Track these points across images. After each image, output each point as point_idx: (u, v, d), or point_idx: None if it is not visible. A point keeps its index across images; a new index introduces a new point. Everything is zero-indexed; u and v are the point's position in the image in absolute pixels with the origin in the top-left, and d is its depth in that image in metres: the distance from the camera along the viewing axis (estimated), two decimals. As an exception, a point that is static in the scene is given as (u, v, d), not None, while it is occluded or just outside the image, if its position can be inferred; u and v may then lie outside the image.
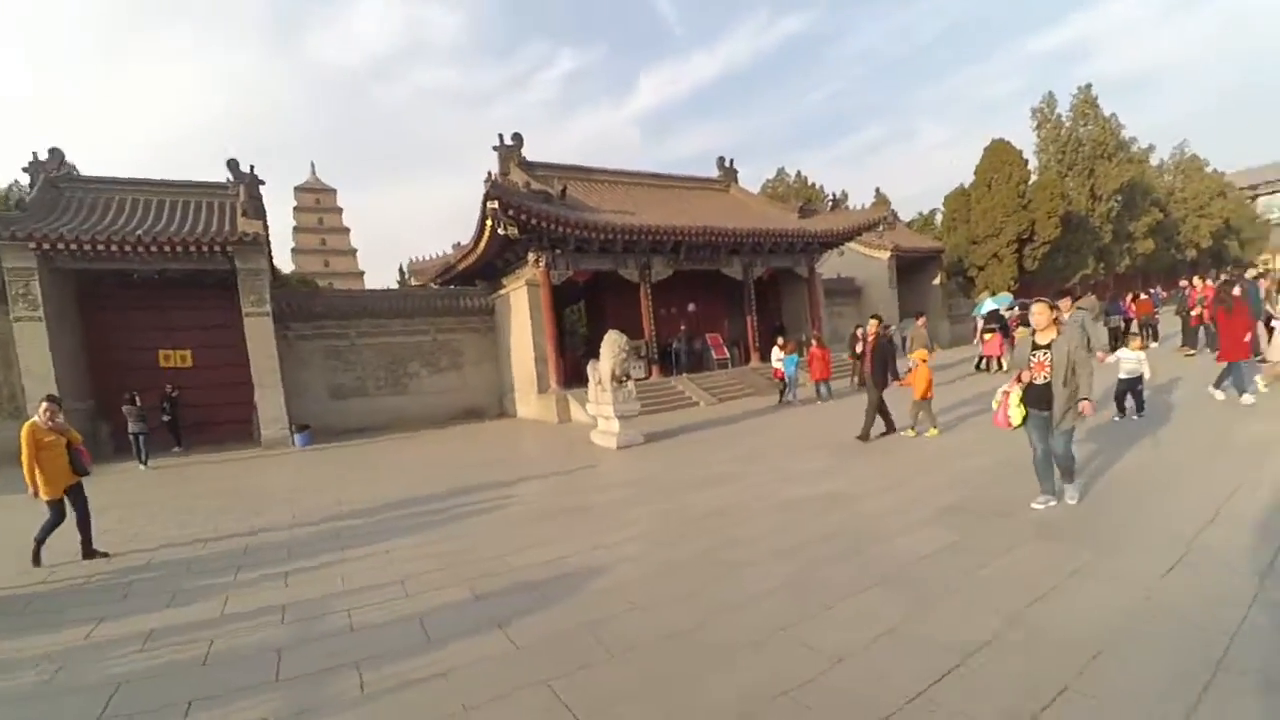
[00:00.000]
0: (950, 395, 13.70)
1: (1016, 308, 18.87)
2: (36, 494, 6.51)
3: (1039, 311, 5.44)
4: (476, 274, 21.73)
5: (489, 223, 16.84)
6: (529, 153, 22.28)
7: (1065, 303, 9.09)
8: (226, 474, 12.90)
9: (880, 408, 9.87)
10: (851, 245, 31.10)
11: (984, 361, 17.66)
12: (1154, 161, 39.24)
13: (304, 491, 10.16)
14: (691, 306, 21.79)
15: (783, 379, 16.68)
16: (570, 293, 24.88)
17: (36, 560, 6.51)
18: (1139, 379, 8.72)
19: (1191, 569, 4.02)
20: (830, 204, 44.68)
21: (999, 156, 28.35)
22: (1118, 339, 18.55)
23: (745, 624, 3.84)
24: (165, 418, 16.55)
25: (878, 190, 46.15)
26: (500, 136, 21.63)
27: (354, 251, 62.73)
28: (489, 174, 15.82)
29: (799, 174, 42.95)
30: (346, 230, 62.91)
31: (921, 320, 17.67)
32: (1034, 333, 5.50)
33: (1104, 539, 4.68)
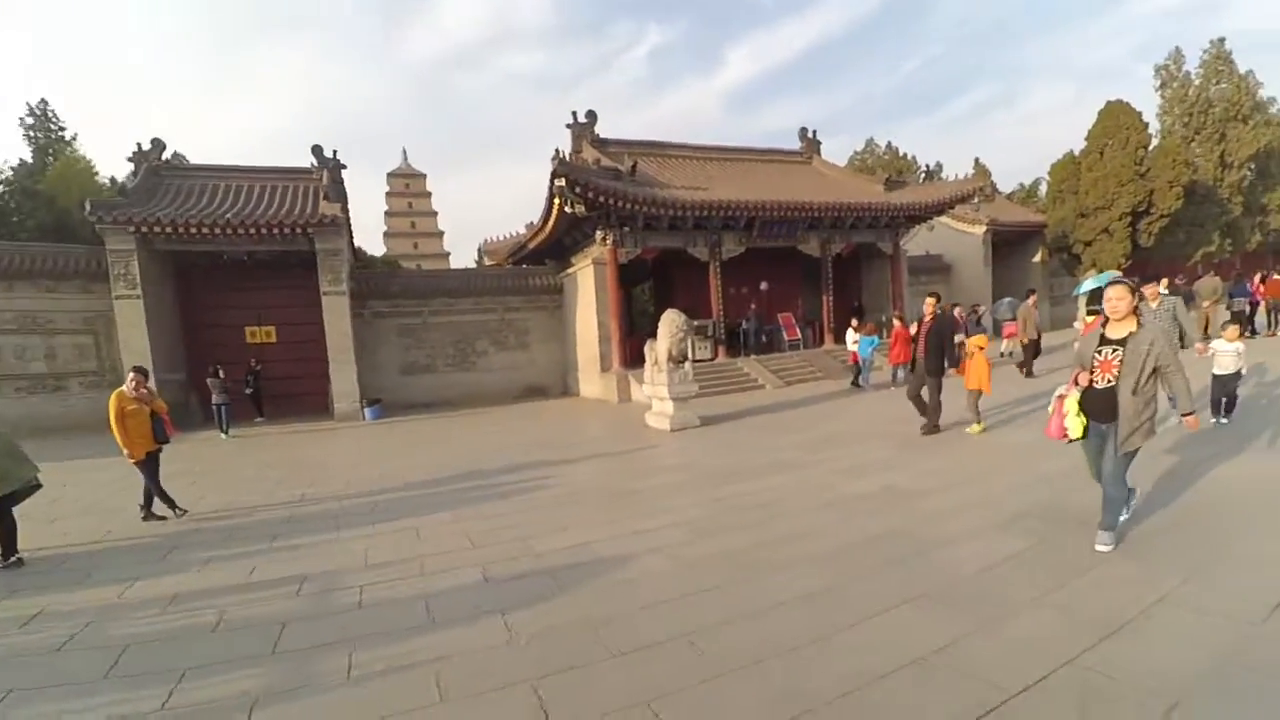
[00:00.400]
0: (1036, 385, 12.53)
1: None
2: (130, 456, 6.86)
3: (1116, 296, 4.19)
4: (546, 253, 21.74)
5: (556, 200, 16.70)
6: (610, 130, 22.07)
7: (1152, 288, 7.78)
8: (297, 444, 13.48)
9: (934, 394, 8.94)
10: (942, 220, 29.28)
11: None
12: None
13: (362, 464, 10.39)
14: (763, 285, 20.98)
15: (857, 362, 15.78)
16: (639, 272, 24.59)
17: (148, 514, 7.01)
18: (1236, 376, 7.43)
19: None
20: (923, 176, 42.26)
21: (1115, 119, 25.58)
22: (1242, 325, 16.32)
23: (756, 637, 3.38)
24: (248, 390, 17.45)
25: (976, 161, 43.29)
26: (574, 114, 21.44)
27: (441, 234, 64.85)
28: (556, 151, 15.56)
29: (889, 145, 40.77)
30: (434, 213, 65.14)
31: (1032, 299, 15.95)
32: (1106, 323, 4.33)
33: (1199, 564, 3.86)
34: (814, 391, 15.56)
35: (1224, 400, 7.46)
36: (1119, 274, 17.97)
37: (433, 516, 6.48)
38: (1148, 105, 32.07)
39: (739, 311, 21.49)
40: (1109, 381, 4.15)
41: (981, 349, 8.87)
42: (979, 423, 8.68)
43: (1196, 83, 29.27)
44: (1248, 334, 15.87)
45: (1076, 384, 4.33)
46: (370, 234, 74.56)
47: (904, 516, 5.31)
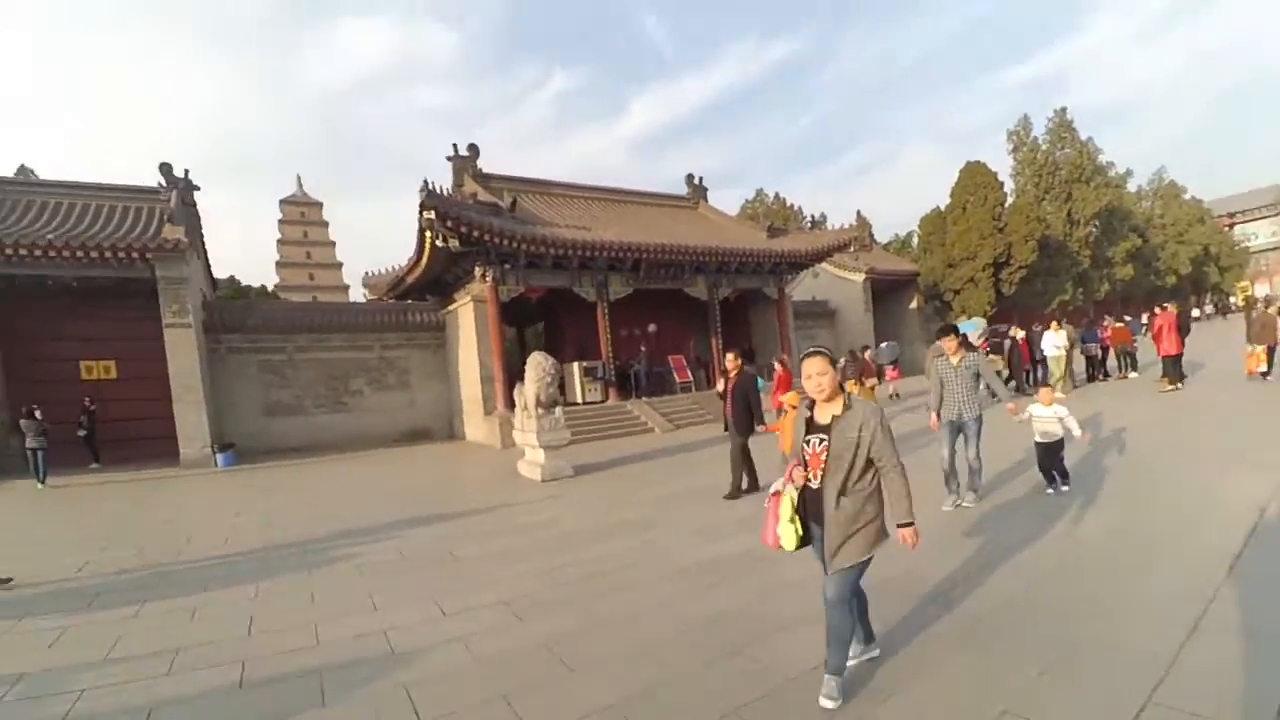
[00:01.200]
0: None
1: (985, 334, 18.07)
2: None
3: (816, 371, 3.13)
4: (428, 289, 20.85)
5: (428, 234, 16.02)
6: (515, 169, 21.59)
7: (949, 342, 6.54)
8: (124, 496, 11.92)
9: (744, 458, 8.29)
10: (826, 268, 30.70)
11: None
12: (1131, 187, 39.00)
13: (184, 522, 9.18)
14: (651, 327, 20.98)
15: None
16: (531, 312, 24.12)
17: None
18: (1060, 443, 6.59)
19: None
20: (809, 225, 44.39)
21: (974, 179, 27.88)
22: (1095, 369, 17.82)
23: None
24: (81, 432, 15.52)
25: (858, 213, 45.86)
26: (454, 146, 20.93)
27: (340, 265, 62.06)
28: (425, 182, 14.93)
29: (777, 195, 42.61)
30: (332, 243, 62.37)
31: (866, 351, 16.71)
32: (812, 404, 3.27)
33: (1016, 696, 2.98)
34: (701, 435, 15.37)
35: (1054, 464, 6.64)
36: (983, 321, 19.22)
37: (226, 591, 5.61)
38: (1004, 167, 35.35)
39: (630, 353, 21.35)
40: (818, 480, 3.14)
41: (794, 407, 8.81)
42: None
43: (1044, 147, 32.45)
44: (1100, 377, 17.12)
45: (792, 480, 3.26)
46: (264, 264, 70.29)
47: (755, 589, 4.81)
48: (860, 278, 29.34)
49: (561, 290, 19.26)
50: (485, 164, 21.61)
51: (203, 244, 18.71)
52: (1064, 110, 31.99)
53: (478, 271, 17.47)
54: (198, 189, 18.10)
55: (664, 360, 21.93)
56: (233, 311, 17.87)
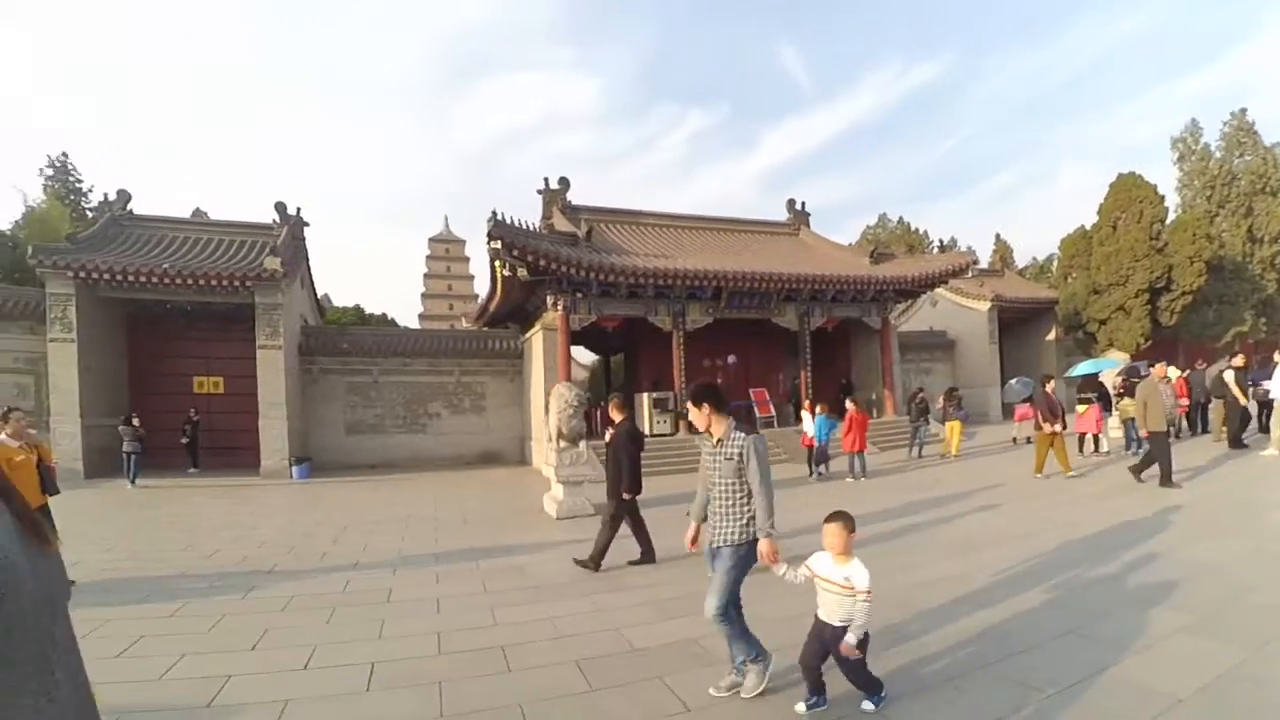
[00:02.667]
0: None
1: (1123, 372, 15.16)
2: None
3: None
4: (509, 317, 21.14)
5: (496, 263, 16.10)
6: (638, 204, 21.65)
7: (697, 412, 3.68)
8: (193, 501, 12.90)
9: (633, 524, 7.06)
10: (946, 295, 27.97)
11: (1080, 442, 14.19)
12: None
13: (206, 529, 9.57)
14: (732, 358, 19.79)
15: (810, 447, 14.13)
16: (614, 342, 23.85)
17: None
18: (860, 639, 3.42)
19: None
20: (936, 251, 40.94)
21: (1127, 193, 24.12)
22: (1268, 412, 14.42)
23: None
24: (184, 439, 17.09)
25: (997, 236, 41.77)
26: (545, 180, 21.13)
27: (476, 297, 66.48)
28: (493, 213, 15.03)
29: (900, 219, 39.74)
30: (471, 277, 67.66)
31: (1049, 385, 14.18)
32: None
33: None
34: (776, 476, 14.10)
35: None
36: (1122, 359, 16.29)
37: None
38: (1168, 183, 30.38)
39: (709, 384, 20.29)
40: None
41: None
42: None
43: (1217, 155, 27.63)
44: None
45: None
46: (406, 294, 77.32)
47: (663, 698, 3.84)
48: (985, 306, 26.29)
49: (638, 320, 18.75)
50: (612, 199, 21.79)
51: (309, 273, 20.22)
52: (1243, 112, 27.05)
53: (549, 300, 17.38)
54: (307, 224, 19.54)
55: (746, 393, 20.65)
56: (326, 336, 19.01)
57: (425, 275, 67.25)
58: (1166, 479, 9.54)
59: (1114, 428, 14.61)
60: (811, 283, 19.51)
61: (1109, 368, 15.32)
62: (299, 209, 19.29)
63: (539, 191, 21.08)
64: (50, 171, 26.88)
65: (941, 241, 41.55)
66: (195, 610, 5.90)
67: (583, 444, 10.81)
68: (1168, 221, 24.31)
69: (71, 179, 27.35)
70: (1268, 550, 6.20)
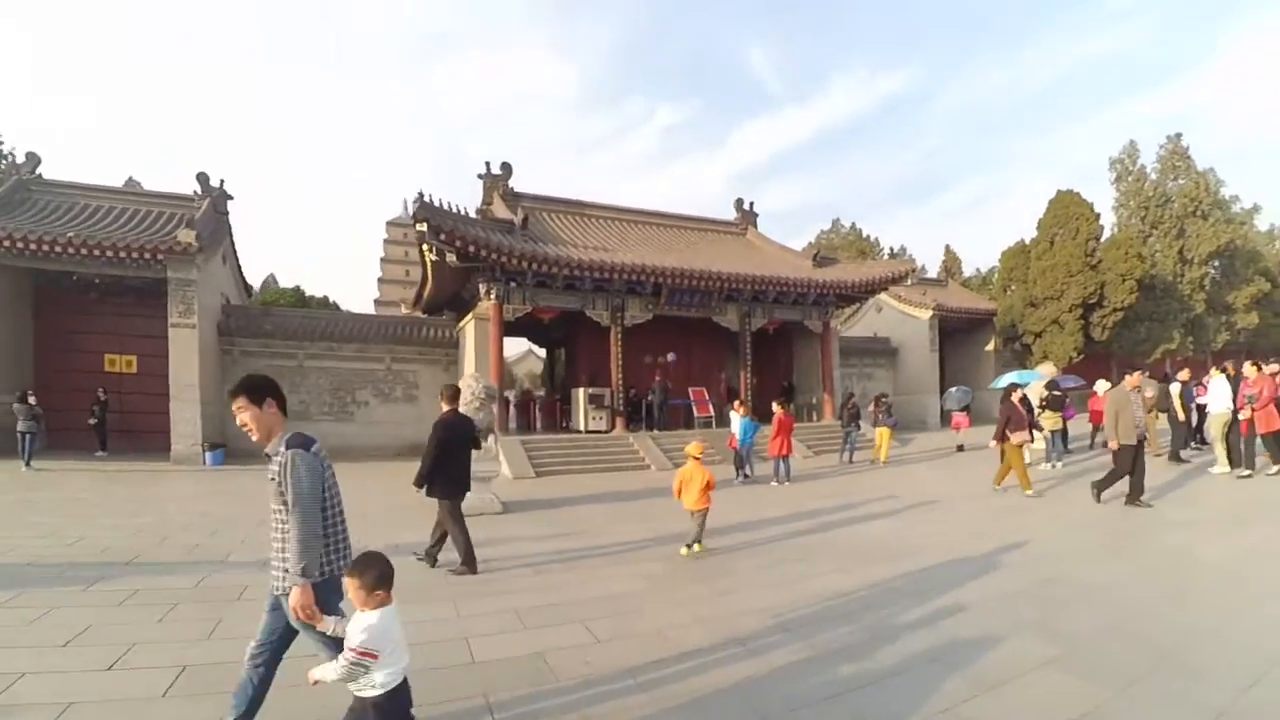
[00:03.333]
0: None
1: (1039, 385, 15.25)
2: None
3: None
4: (445, 304, 20.60)
5: (425, 247, 15.62)
6: (611, 197, 21.22)
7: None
8: (88, 486, 12.22)
9: (454, 524, 6.53)
10: (890, 302, 28.35)
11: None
12: (1263, 225, 33.51)
13: (95, 518, 9.02)
14: (670, 356, 19.59)
15: (736, 449, 13.56)
16: (559, 335, 23.48)
17: None
18: None
19: None
20: (886, 258, 41.61)
21: (1065, 209, 24.75)
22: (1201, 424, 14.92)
23: None
24: (92, 420, 16.17)
25: (947, 248, 42.60)
26: (487, 165, 20.71)
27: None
28: (419, 194, 14.54)
29: (853, 226, 40.18)
30: (431, 264, 65.61)
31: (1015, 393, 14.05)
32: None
33: None
34: None
35: None
36: (1048, 371, 16.51)
37: None
38: (1106, 202, 31.29)
39: (649, 383, 20.08)
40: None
41: (697, 457, 7.39)
42: (693, 544, 7.10)
43: (1153, 176, 28.58)
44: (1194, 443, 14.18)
45: None
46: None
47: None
48: (926, 315, 26.68)
49: (577, 313, 18.42)
50: (566, 190, 21.31)
51: (233, 249, 19.35)
52: (1179, 136, 28.02)
53: (482, 288, 16.93)
54: (231, 198, 18.69)
55: (686, 392, 20.51)
56: (248, 316, 18.23)
57: (382, 260, 65.32)
58: (1136, 495, 8.88)
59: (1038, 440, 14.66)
60: (752, 283, 19.43)
61: (1032, 380, 15.50)
62: (222, 180, 18.45)
63: (479, 176, 20.64)
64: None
65: (892, 249, 42.47)
66: (26, 601, 5.44)
67: (491, 438, 10.48)
68: (1103, 239, 25.00)
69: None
70: (1167, 573, 6.13)
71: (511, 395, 20.47)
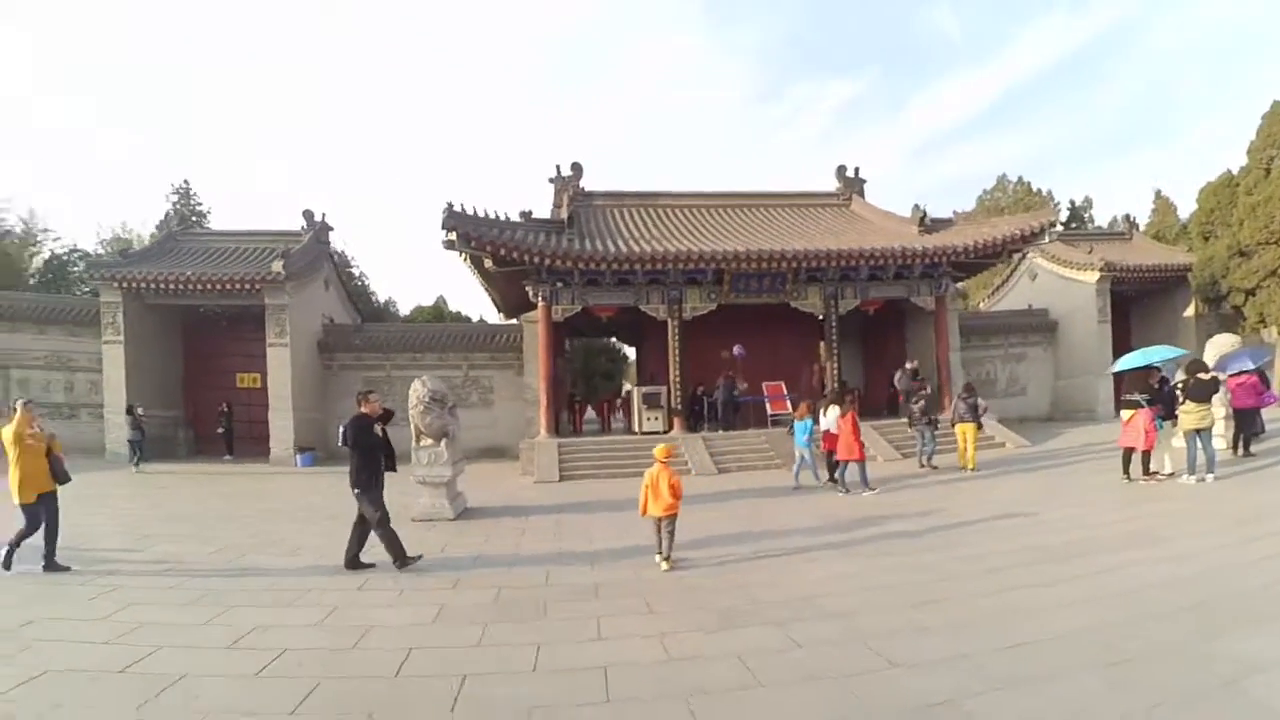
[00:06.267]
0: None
1: (1178, 368, 11.25)
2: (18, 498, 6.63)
3: None
4: (520, 307, 20.91)
5: (463, 256, 15.89)
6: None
7: None
8: (169, 485, 14.30)
9: (379, 522, 6.76)
10: (1046, 265, 23.85)
11: (1126, 461, 10.37)
12: None
13: (122, 514, 10.54)
14: (738, 349, 17.79)
15: (830, 450, 11.72)
16: (624, 333, 22.89)
17: (7, 565, 6.61)
18: None
19: None
20: (1068, 216, 34.96)
21: (1287, 125, 18.64)
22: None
23: None
24: (220, 430, 18.90)
25: (1157, 193, 34.75)
26: (557, 168, 20.67)
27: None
28: (448, 203, 14.75)
29: (1020, 180, 34.32)
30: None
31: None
32: None
33: None
34: (747, 484, 12.67)
35: None
36: (1177, 350, 12.27)
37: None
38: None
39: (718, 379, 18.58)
40: None
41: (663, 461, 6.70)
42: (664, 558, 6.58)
43: None
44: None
45: None
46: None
47: None
48: (1093, 278, 21.75)
49: (634, 309, 17.67)
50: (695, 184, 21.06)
51: (338, 275, 21.44)
52: None
53: (529, 290, 16.88)
54: (331, 229, 20.73)
55: (761, 388, 18.72)
56: (342, 333, 20.02)
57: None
58: None
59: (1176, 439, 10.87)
60: (834, 259, 17.23)
61: (1164, 358, 11.53)
62: (324, 215, 20.47)
63: (550, 180, 20.64)
64: (175, 197, 30.97)
65: (1073, 202, 35.60)
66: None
67: (444, 442, 10.24)
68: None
69: (193, 202, 31.34)
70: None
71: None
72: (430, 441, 10.08)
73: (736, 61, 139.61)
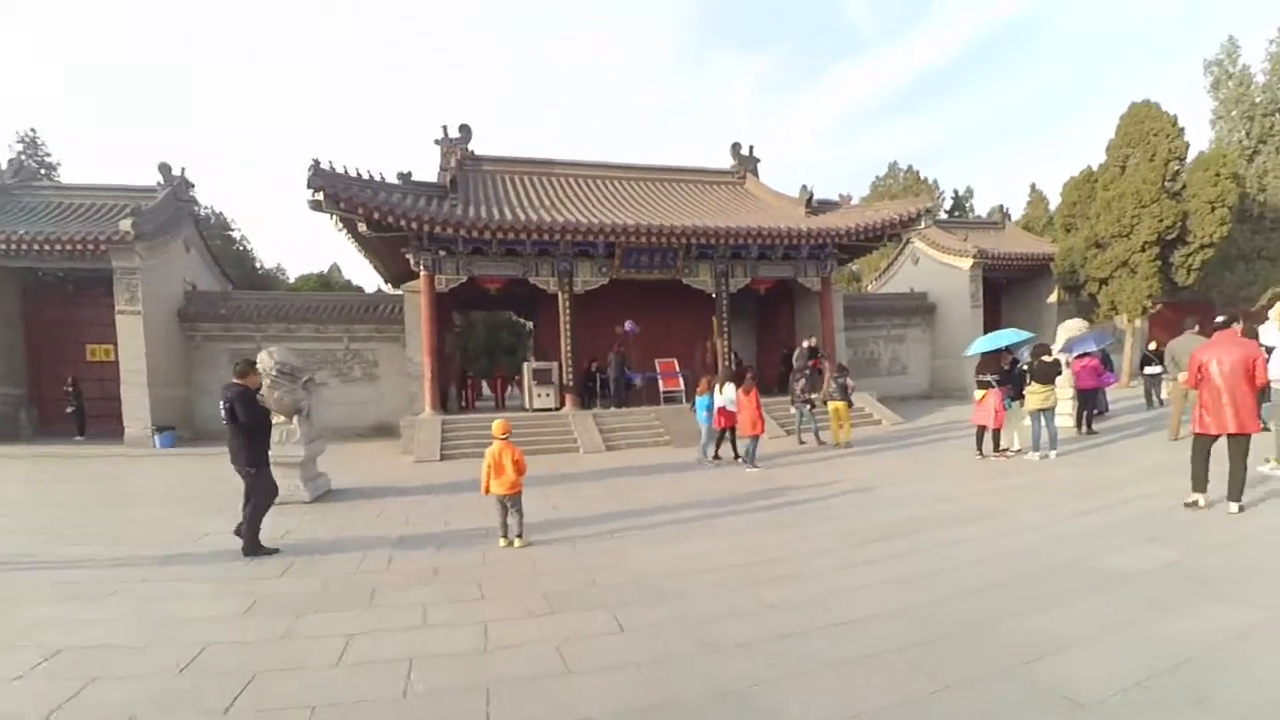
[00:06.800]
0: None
1: (1026, 350, 12.04)
2: None
3: None
4: (405, 276, 20.06)
5: (332, 217, 14.95)
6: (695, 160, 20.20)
7: None
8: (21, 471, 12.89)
9: (268, 503, 6.79)
10: (928, 251, 25.03)
11: (979, 439, 11.07)
12: None
13: None
14: (628, 325, 17.77)
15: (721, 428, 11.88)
16: (519, 307, 22.46)
17: None
18: None
19: None
20: (952, 205, 37.01)
21: (1139, 125, 20.15)
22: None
23: None
24: (69, 408, 17.16)
25: (1033, 187, 37.22)
26: (444, 129, 19.78)
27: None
28: (314, 161, 13.81)
29: (910, 168, 35.88)
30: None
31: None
32: None
33: None
34: (632, 461, 12.54)
35: None
36: (1026, 333, 13.08)
37: None
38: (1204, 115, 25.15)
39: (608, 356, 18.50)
40: None
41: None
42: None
43: (1260, 79, 22.83)
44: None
45: None
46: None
47: None
48: (967, 264, 23.07)
49: (524, 281, 17.22)
50: (566, 152, 20.26)
51: (200, 236, 19.78)
52: (1299, 24, 22.21)
53: (410, 259, 16.14)
54: (192, 186, 19.04)
55: (652, 364, 18.80)
56: (206, 301, 18.52)
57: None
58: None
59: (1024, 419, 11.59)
60: (723, 237, 17.35)
61: (1014, 341, 12.27)
62: (183, 169, 18.78)
63: (436, 141, 19.75)
64: (20, 146, 27.68)
65: (956, 192, 37.64)
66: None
67: (296, 419, 9.63)
68: (1189, 160, 20.30)
69: (41, 153, 28.15)
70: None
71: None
72: (282, 419, 9.44)
73: (651, 34, 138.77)
